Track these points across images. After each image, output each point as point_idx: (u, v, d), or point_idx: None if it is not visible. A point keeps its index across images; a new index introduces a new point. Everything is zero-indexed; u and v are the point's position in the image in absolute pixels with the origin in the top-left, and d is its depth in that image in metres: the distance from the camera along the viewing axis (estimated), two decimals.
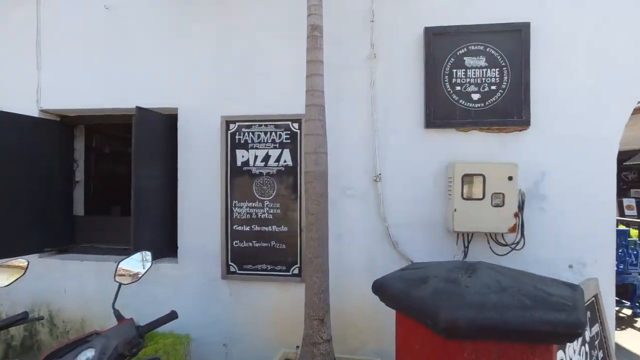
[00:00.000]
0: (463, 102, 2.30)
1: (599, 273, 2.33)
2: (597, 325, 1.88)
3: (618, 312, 4.31)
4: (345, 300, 2.39)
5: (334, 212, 2.37)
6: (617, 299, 4.34)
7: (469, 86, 2.30)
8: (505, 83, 2.28)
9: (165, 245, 2.64)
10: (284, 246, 2.41)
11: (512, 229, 2.18)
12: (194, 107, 2.64)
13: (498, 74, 2.29)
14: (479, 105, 2.29)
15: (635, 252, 4.29)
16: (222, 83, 2.61)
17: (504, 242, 2.28)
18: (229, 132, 2.53)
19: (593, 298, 1.93)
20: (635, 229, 4.82)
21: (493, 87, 2.29)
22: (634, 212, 9.68)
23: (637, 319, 4.13)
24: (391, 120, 2.39)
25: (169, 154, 2.65)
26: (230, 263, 2.52)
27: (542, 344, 0.96)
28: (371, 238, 2.40)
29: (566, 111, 2.33)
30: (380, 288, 1.20)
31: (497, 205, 2.17)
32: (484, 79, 2.29)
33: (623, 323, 4.01)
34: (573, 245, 2.34)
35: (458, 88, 2.30)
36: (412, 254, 2.36)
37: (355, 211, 2.41)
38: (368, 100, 2.39)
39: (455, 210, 2.17)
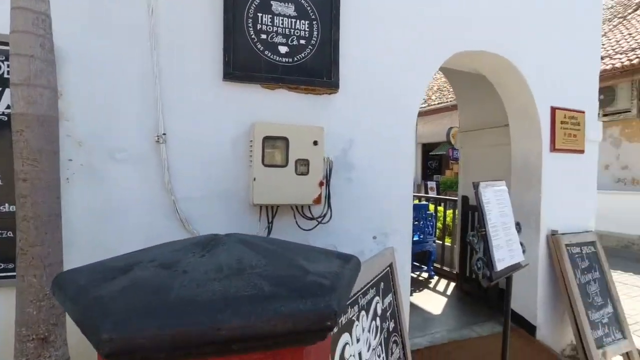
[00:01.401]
0: (269, 55, 1.96)
1: (399, 243, 2.40)
2: (390, 295, 1.83)
3: (418, 276, 4.96)
4: None
5: (94, 183, 1.72)
6: (417, 264, 5.00)
7: (277, 36, 1.97)
8: (315, 39, 2.04)
9: None
10: (11, 234, 1.63)
11: (317, 200, 1.98)
12: None
13: (308, 28, 2.03)
14: (287, 60, 2.00)
15: (431, 223, 4.99)
16: None
17: (311, 215, 2.08)
18: None
19: (388, 268, 1.88)
20: (432, 203, 5.65)
21: (302, 42, 2.02)
22: (435, 193, 11.85)
23: (431, 280, 4.81)
24: (179, 65, 1.86)
25: None
26: None
27: (283, 349, 0.60)
28: (153, 215, 1.85)
29: (375, 76, 2.28)
30: (58, 285, 0.69)
31: (301, 174, 1.92)
32: (292, 30, 2.00)
33: (420, 285, 4.61)
34: (377, 216, 2.34)
35: (264, 37, 1.94)
36: (207, 230, 1.91)
37: (130, 181, 1.80)
38: (146, 33, 1.79)
39: (254, 179, 1.83)
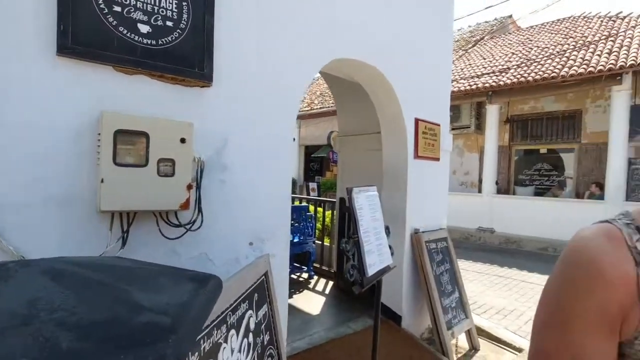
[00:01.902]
0: (125, 32, 1.64)
1: (277, 247, 2.32)
2: (265, 305, 1.71)
3: (298, 277, 5.00)
4: None
5: None
6: (298, 265, 5.04)
7: (135, 12, 1.66)
8: (184, 22, 1.80)
9: None
10: None
11: (185, 205, 1.74)
12: None
13: (176, 8, 1.77)
14: (149, 41, 1.70)
15: (311, 225, 5.09)
16: None
17: (178, 222, 1.82)
18: None
19: (263, 277, 1.76)
20: (312, 205, 5.80)
21: (169, 24, 1.76)
22: (316, 194, 12.30)
23: (311, 280, 4.90)
24: None
25: None
26: None
27: None
28: None
29: (255, 72, 2.14)
30: None
31: (165, 175, 1.66)
32: (156, 8, 1.72)
33: (301, 286, 4.65)
34: (253, 220, 2.21)
35: (117, 9, 1.61)
36: (34, 247, 1.49)
37: None
38: None
39: (102, 180, 1.49)
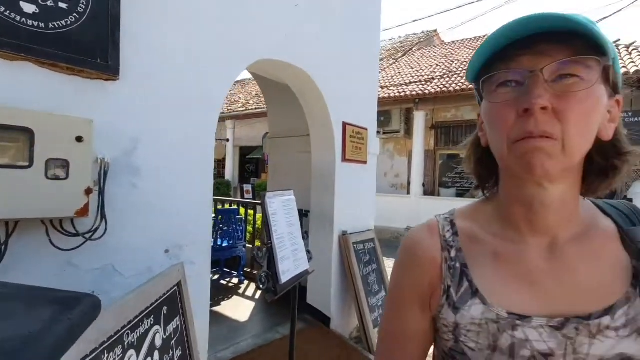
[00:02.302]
0: (4, 11, 1.41)
1: (197, 254, 2.18)
2: (177, 318, 1.59)
3: (228, 282, 4.82)
4: None
5: None
6: (227, 270, 4.86)
7: None
8: (83, 6, 1.60)
9: None
10: None
11: (82, 212, 1.55)
12: None
13: None
14: (36, 24, 1.48)
15: (241, 228, 4.94)
16: None
17: (74, 231, 1.62)
18: None
19: (175, 287, 1.63)
20: (243, 207, 5.64)
21: (63, 6, 1.55)
22: (251, 196, 12.04)
23: (241, 285, 4.75)
24: None
25: None
26: None
27: None
28: None
29: (172, 68, 2.00)
30: None
31: (57, 178, 1.45)
32: None
33: (230, 292, 4.48)
34: (170, 227, 2.05)
35: None
36: None
37: None
38: None
39: None
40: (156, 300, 1.40)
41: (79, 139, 1.50)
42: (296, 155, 4.17)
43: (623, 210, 0.59)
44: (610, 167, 0.54)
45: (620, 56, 8.19)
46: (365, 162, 3.79)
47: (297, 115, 3.86)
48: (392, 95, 10.19)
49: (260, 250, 1.62)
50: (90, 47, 1.63)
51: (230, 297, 4.33)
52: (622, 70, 5.79)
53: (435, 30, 16.42)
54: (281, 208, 1.75)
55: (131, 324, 1.19)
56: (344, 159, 3.46)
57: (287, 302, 3.94)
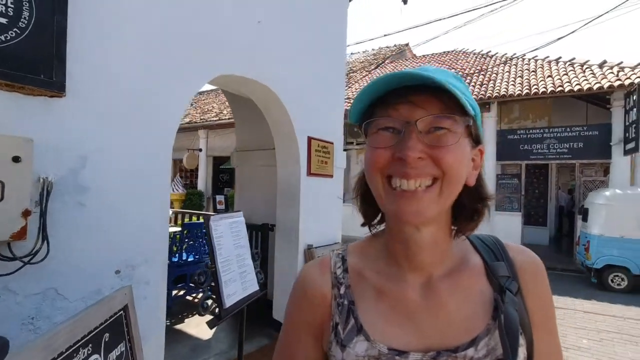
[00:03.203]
0: None
1: (152, 274, 2.12)
2: (122, 345, 1.52)
3: (194, 298, 4.69)
4: None
5: None
6: (193, 285, 4.73)
7: None
8: (25, 21, 1.55)
9: None
10: None
11: (20, 235, 1.48)
12: None
13: (13, 3, 1.52)
14: None
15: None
16: None
17: (11, 255, 1.53)
18: None
19: (121, 312, 1.57)
20: None
21: (3, 21, 1.50)
22: (223, 207, 11.86)
23: (207, 301, 4.63)
24: None
25: None
26: None
27: None
28: None
29: (123, 83, 1.95)
30: None
31: None
32: None
33: (195, 308, 4.36)
34: (122, 246, 1.98)
35: None
36: None
37: None
38: None
39: None
40: (96, 328, 1.34)
41: (16, 159, 1.44)
42: (263, 168, 4.15)
43: (490, 245, 0.63)
44: (475, 210, 0.58)
45: (575, 74, 8.71)
46: (331, 176, 3.82)
47: (264, 128, 3.86)
48: None
49: (202, 275, 1.59)
50: (32, 62, 1.58)
51: (195, 314, 4.21)
52: (576, 88, 6.15)
53: (407, 44, 16.90)
54: (228, 230, 1.73)
55: (62, 355, 1.13)
56: (309, 173, 3.48)
57: (253, 317, 3.89)
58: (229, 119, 12.60)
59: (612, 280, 6.35)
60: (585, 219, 7.02)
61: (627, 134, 7.44)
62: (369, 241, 0.67)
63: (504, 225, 8.75)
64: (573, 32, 8.07)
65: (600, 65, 8.66)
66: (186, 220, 6.03)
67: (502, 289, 0.56)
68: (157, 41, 2.13)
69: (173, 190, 11.77)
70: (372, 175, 0.53)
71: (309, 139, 3.46)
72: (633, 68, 7.97)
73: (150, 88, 2.09)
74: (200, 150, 13.35)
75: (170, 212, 5.91)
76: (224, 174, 15.62)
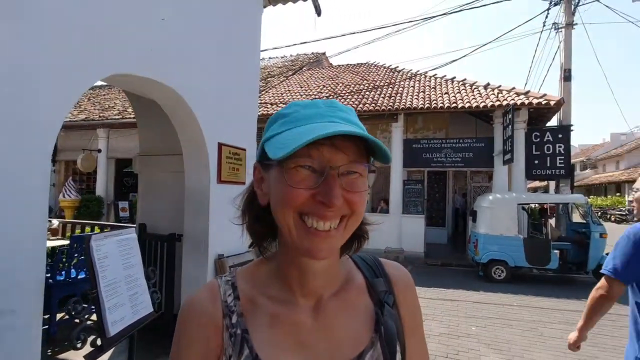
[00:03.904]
0: None
1: (17, 301, 1.79)
2: None
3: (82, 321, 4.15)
4: None
5: None
6: (86, 305, 4.19)
7: None
8: None
9: None
10: None
11: None
12: None
13: None
14: None
15: None
16: None
17: None
18: None
19: None
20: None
21: None
22: (127, 214, 10.81)
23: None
24: None
25: None
26: None
27: None
28: None
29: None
30: None
31: None
32: None
33: (89, 332, 3.86)
34: None
35: None
36: None
37: None
38: None
39: None
40: None
41: None
42: (170, 175, 3.88)
43: (369, 263, 0.68)
44: (360, 235, 0.64)
45: (466, 92, 9.94)
46: (243, 183, 3.73)
47: (170, 132, 3.61)
48: None
49: (77, 303, 1.41)
50: None
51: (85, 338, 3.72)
52: (467, 105, 7.01)
53: (324, 53, 17.48)
54: (115, 250, 1.55)
55: None
56: (220, 180, 3.35)
57: (160, 335, 3.58)
58: (134, 118, 11.57)
59: (494, 273, 7.34)
60: (474, 220, 8.01)
61: (505, 147, 8.69)
62: (258, 266, 0.65)
63: (409, 227, 9.53)
64: (464, 56, 9.17)
65: (485, 87, 10.02)
66: (78, 232, 5.34)
67: (382, 303, 0.62)
68: (31, 34, 1.84)
69: (64, 196, 10.35)
70: (285, 211, 0.53)
71: (220, 145, 3.34)
72: (509, 91, 9.38)
73: (20, 85, 1.79)
74: (100, 151, 11.97)
75: (56, 222, 5.17)
76: (129, 178, 14.25)
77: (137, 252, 1.69)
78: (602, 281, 1.67)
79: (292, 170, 0.52)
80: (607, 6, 9.11)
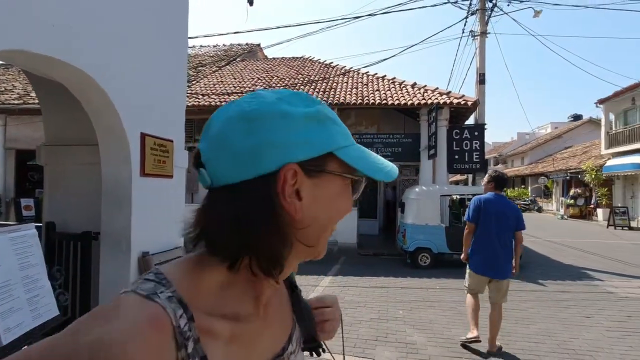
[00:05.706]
0: None
1: None
2: None
3: None
4: None
5: None
6: None
7: None
8: None
9: None
10: None
11: None
12: None
13: None
14: None
15: None
16: None
17: None
18: None
19: None
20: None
21: None
22: (32, 213, 9.57)
23: None
24: None
25: None
26: None
27: None
28: None
29: None
30: None
31: None
32: None
33: None
34: None
35: None
36: None
37: None
38: None
39: None
40: None
41: None
42: (83, 167, 3.49)
43: None
44: None
45: (396, 90, 10.47)
46: (170, 176, 3.51)
47: (83, 119, 3.24)
48: (212, 103, 9.98)
49: None
50: None
51: None
52: (396, 102, 7.44)
53: (259, 45, 17.10)
54: (8, 247, 1.34)
55: None
56: (143, 173, 3.10)
57: None
58: (38, 103, 10.22)
59: (420, 260, 7.89)
60: (402, 211, 8.51)
61: (430, 142, 9.35)
62: (200, 273, 0.51)
63: (343, 220, 9.72)
64: (394, 55, 9.66)
65: (412, 86, 10.65)
66: None
67: (293, 285, 0.69)
68: None
69: None
70: (334, 224, 0.57)
71: (143, 135, 3.08)
72: (433, 90, 10.09)
73: None
74: None
75: None
76: (34, 172, 12.60)
77: (37, 250, 1.47)
78: (467, 225, 3.80)
79: (357, 185, 0.57)
80: (514, 19, 10.22)
